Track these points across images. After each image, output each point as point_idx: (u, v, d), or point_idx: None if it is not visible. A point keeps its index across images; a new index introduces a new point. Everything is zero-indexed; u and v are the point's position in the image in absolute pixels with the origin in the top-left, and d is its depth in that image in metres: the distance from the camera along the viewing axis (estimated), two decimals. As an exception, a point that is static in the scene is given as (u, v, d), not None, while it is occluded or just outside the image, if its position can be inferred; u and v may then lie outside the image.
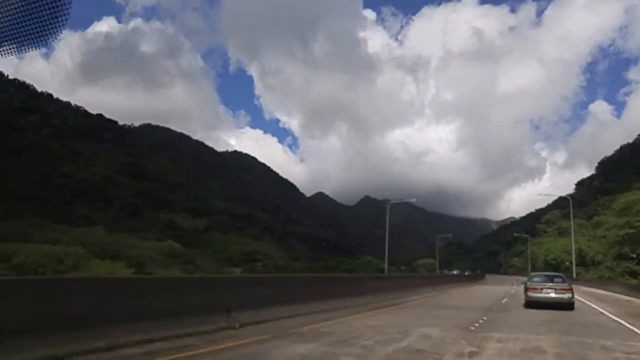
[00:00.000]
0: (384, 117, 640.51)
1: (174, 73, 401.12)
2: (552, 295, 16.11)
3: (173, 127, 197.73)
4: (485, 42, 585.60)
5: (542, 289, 16.40)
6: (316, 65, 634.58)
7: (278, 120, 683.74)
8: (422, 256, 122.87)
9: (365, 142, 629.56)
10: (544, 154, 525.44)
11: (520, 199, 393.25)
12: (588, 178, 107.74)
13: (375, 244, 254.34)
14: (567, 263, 58.13)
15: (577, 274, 48.28)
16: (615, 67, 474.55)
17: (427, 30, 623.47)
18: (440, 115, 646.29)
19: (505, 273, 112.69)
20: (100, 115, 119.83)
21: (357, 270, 63.13)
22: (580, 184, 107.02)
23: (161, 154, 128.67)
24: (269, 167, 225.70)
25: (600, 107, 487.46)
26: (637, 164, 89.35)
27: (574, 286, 17.77)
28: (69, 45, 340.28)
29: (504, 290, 31.17)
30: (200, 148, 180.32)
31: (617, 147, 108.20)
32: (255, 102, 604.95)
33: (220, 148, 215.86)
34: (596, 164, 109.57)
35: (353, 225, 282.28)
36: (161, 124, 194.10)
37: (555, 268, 59.00)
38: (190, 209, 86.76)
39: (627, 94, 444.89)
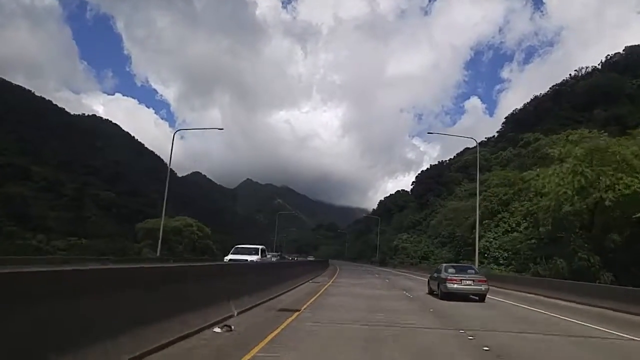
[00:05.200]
0: (270, 92, 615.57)
1: (11, 10, 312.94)
2: (472, 286, 16.35)
3: (13, 80, 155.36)
4: (378, 17, 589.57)
5: (460, 280, 16.40)
6: (197, 22, 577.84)
7: (155, 91, 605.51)
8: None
9: (249, 117, 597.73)
10: (422, 147, 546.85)
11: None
12: (495, 137, 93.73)
13: (254, 229, 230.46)
14: None
15: None
16: (494, 62, 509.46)
17: (319, 2, 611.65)
18: (327, 97, 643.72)
19: (384, 263, 75.43)
20: None
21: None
22: (485, 144, 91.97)
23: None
24: (133, 137, 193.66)
25: (474, 104, 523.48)
26: (556, 112, 75.63)
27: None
28: None
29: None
30: (45, 107, 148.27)
31: (528, 100, 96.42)
32: (127, 68, 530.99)
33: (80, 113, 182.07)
34: (503, 119, 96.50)
35: (230, 208, 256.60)
36: None
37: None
38: None
39: (500, 91, 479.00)
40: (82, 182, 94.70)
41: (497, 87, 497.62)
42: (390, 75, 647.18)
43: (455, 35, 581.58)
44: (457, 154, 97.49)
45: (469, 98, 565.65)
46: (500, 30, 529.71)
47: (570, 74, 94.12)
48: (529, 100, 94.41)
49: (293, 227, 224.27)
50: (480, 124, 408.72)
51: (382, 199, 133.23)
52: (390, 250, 77.08)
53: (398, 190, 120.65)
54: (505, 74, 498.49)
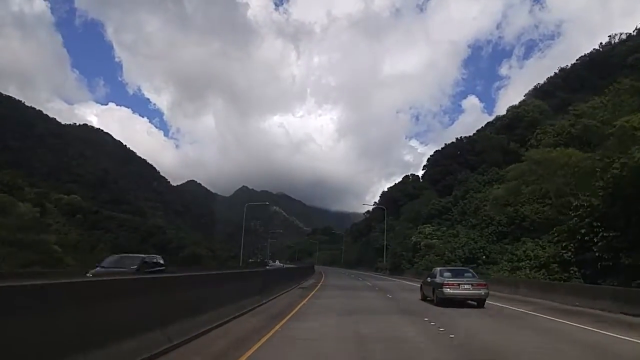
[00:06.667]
0: (264, 95, 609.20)
1: (0, 18, 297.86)
2: (471, 291, 15.53)
3: (3, 91, 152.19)
4: (372, 15, 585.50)
5: (459, 284, 15.57)
6: (187, 25, 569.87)
7: (148, 101, 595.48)
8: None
9: (244, 122, 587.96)
10: (420, 149, 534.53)
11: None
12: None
13: (250, 235, 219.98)
14: None
15: None
16: (493, 59, 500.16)
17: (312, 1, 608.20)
18: (322, 100, 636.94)
19: (399, 270, 54.68)
20: None
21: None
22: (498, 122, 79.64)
23: None
24: (125, 146, 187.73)
25: (472, 102, 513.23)
26: (595, 80, 65.20)
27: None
28: None
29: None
30: (35, 117, 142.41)
31: (556, 70, 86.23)
32: (120, 78, 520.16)
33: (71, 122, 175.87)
34: (526, 93, 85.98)
35: (227, 216, 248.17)
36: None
37: None
38: None
39: (499, 88, 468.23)
40: (52, 188, 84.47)
41: (496, 84, 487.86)
42: (386, 75, 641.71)
43: (452, 33, 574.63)
44: (478, 131, 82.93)
45: (466, 97, 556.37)
46: (498, 25, 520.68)
47: (601, 42, 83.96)
48: (553, 73, 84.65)
49: (288, 232, 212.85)
50: (479, 123, 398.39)
51: (386, 189, 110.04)
52: (407, 251, 55.30)
53: (406, 176, 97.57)
54: (504, 70, 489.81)
